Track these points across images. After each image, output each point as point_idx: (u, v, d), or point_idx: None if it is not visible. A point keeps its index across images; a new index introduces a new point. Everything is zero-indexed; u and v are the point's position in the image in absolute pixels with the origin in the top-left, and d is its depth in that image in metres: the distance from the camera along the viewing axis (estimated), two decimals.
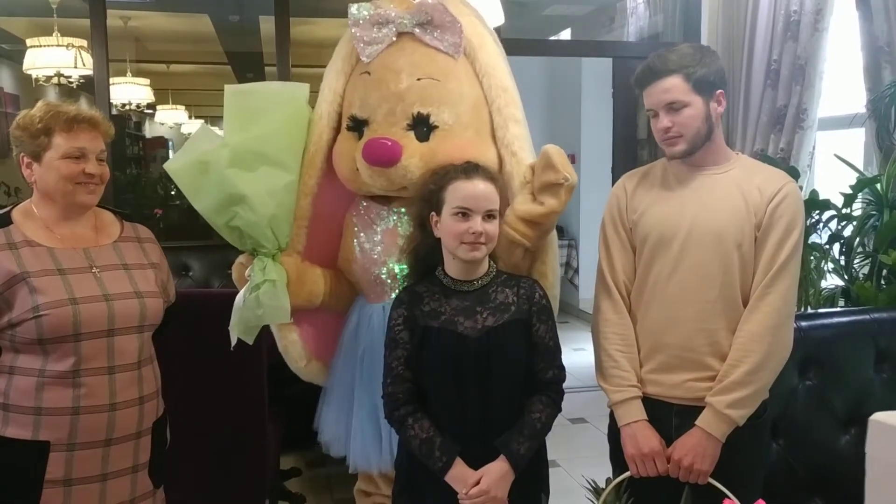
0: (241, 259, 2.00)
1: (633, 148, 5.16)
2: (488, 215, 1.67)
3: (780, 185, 1.68)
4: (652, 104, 1.71)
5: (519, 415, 1.69)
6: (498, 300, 1.71)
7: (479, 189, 1.67)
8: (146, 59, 7.33)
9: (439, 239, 1.72)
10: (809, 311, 2.68)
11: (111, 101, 4.29)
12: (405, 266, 1.88)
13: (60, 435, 1.60)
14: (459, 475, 1.64)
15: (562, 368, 1.76)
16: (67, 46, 4.82)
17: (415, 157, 1.89)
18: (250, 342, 1.97)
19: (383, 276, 1.99)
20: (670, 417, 1.71)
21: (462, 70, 1.98)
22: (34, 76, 5.10)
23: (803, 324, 1.98)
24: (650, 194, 1.78)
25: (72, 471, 1.61)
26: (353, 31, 1.98)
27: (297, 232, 2.03)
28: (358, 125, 1.98)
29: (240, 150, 1.83)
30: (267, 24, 5.70)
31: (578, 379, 4.92)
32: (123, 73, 6.48)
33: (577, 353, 5.54)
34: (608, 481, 1.59)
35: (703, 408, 1.66)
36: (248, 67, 7.86)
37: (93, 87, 3.82)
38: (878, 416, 1.16)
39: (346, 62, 2.04)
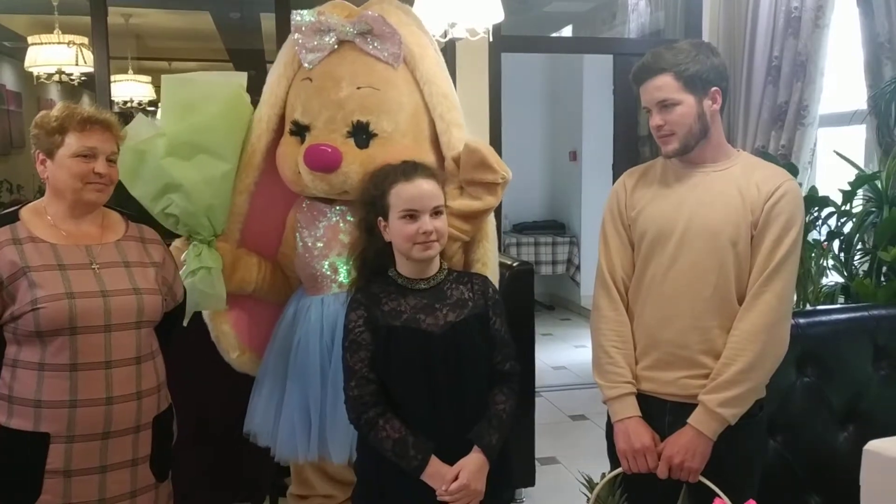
0: (176, 243, 2.02)
1: (634, 145, 5.15)
2: (435, 212, 1.69)
3: (778, 183, 1.67)
4: (645, 102, 1.73)
5: (486, 407, 1.71)
6: (454, 296, 1.74)
7: (422, 189, 1.69)
8: (147, 56, 7.35)
9: (389, 242, 1.73)
10: (808, 307, 2.68)
11: (112, 98, 4.30)
12: (347, 260, 1.92)
13: (59, 427, 1.64)
14: (436, 473, 1.64)
15: (518, 360, 1.78)
16: (69, 44, 4.84)
17: (355, 164, 1.93)
18: (184, 325, 1.99)
19: (324, 270, 2.03)
20: (664, 414, 1.71)
21: (401, 79, 2.02)
22: (35, 73, 5.12)
23: (801, 320, 1.98)
24: (649, 191, 1.78)
25: (71, 462, 1.65)
26: (295, 36, 2.02)
27: (231, 227, 2.07)
28: (300, 130, 2.02)
29: (176, 139, 1.85)
30: (268, 21, 5.71)
31: (579, 376, 4.92)
32: (125, 71, 6.51)
33: (577, 350, 5.55)
34: (603, 477, 1.60)
35: (696, 405, 1.65)
36: (250, 64, 7.85)
37: (94, 85, 3.83)
38: (873, 446, 1.07)
39: (289, 67, 2.08)
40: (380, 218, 1.72)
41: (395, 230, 1.69)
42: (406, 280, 1.73)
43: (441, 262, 1.78)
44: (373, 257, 1.76)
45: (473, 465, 1.66)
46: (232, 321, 2.11)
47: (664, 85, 1.67)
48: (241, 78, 2.10)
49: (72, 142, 1.67)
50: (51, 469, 1.64)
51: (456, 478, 1.64)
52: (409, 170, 1.72)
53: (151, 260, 1.80)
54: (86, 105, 1.80)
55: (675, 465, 1.64)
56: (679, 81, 1.66)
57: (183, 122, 1.88)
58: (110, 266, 1.72)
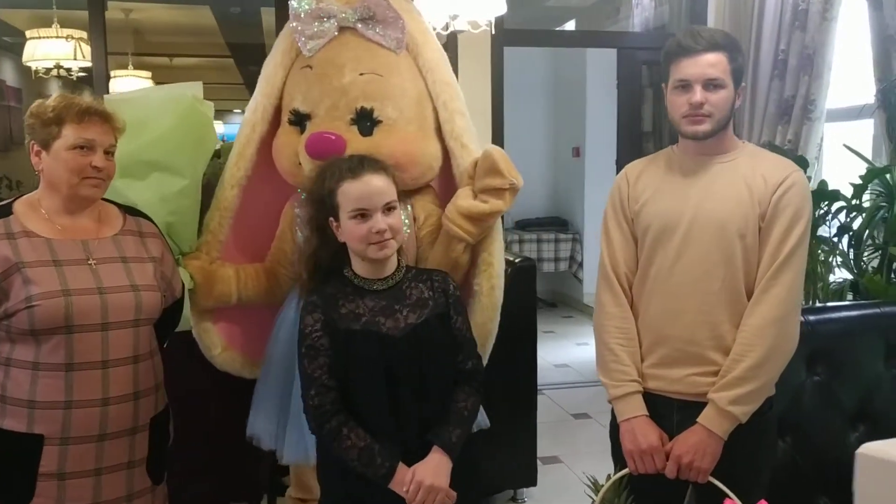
0: None
1: (637, 141, 5.11)
2: (388, 209, 1.61)
3: (785, 174, 1.64)
4: (690, 75, 1.62)
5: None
6: (414, 296, 1.67)
7: (371, 186, 1.60)
8: (148, 51, 7.33)
9: (343, 243, 1.66)
10: (818, 304, 2.63)
11: (112, 93, 4.26)
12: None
13: (54, 428, 1.59)
14: (402, 480, 1.58)
15: (479, 358, 1.74)
16: (67, 38, 4.79)
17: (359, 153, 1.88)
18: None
19: None
20: (672, 413, 1.67)
21: (404, 65, 1.99)
22: (33, 68, 5.07)
23: (811, 318, 1.93)
24: (653, 184, 1.74)
25: (65, 464, 1.60)
26: (293, 24, 1.97)
27: (219, 223, 2.05)
28: (300, 119, 1.98)
29: (127, 160, 1.79)
30: (268, 16, 5.69)
31: (581, 374, 4.89)
32: (125, 66, 6.47)
33: (580, 348, 5.52)
34: (608, 478, 1.56)
35: (705, 403, 1.61)
36: (250, 59, 7.83)
37: (93, 80, 3.79)
38: (866, 449, 1.00)
39: (286, 56, 2.04)
40: (331, 218, 1.64)
41: (347, 231, 1.61)
42: (363, 280, 1.66)
43: (399, 260, 1.70)
44: (327, 259, 1.68)
45: (429, 463, 1.59)
46: (214, 318, 2.09)
47: (718, 63, 1.62)
48: (196, 88, 2.05)
49: (69, 133, 1.61)
50: (44, 472, 1.59)
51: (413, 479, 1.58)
52: (356, 165, 1.63)
53: (150, 255, 1.75)
54: (85, 97, 1.75)
55: (685, 465, 1.59)
56: (730, 66, 1.63)
57: (132, 141, 1.81)
58: (107, 262, 1.66)
